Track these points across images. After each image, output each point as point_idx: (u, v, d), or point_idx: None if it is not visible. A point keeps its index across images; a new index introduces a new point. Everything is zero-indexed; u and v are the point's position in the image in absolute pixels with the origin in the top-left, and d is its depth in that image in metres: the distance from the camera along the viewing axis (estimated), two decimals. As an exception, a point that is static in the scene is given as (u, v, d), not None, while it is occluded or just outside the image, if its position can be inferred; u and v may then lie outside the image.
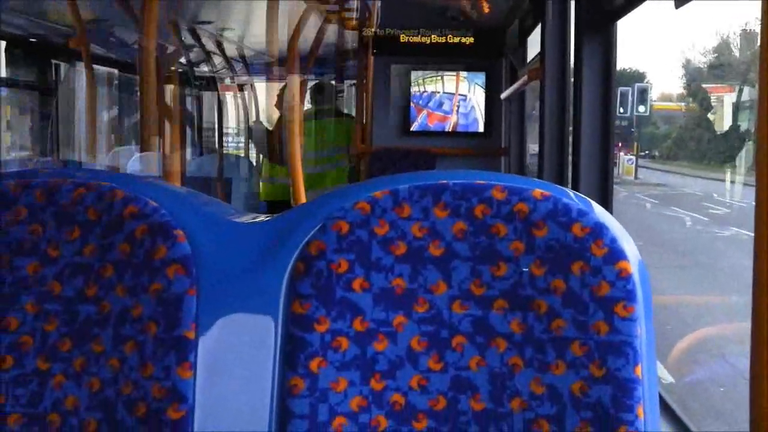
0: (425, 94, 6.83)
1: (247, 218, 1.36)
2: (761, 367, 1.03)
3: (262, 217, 1.35)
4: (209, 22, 6.48)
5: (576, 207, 1.22)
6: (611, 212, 1.28)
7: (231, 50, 7.33)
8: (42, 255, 1.28)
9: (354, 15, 6.22)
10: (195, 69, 8.02)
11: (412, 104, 6.80)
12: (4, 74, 6.71)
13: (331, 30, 5.46)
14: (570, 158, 3.50)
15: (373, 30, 6.62)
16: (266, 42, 3.05)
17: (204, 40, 6.43)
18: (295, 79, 3.18)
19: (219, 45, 6.69)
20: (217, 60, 7.40)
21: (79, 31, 4.66)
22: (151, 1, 2.31)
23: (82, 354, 1.26)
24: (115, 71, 7.85)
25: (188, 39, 6.21)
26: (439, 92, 6.82)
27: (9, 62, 6.52)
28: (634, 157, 22.90)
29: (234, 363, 1.24)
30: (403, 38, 6.57)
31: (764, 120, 1.02)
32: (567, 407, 1.19)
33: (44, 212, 1.29)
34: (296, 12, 4.60)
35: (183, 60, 7.26)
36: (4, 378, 1.26)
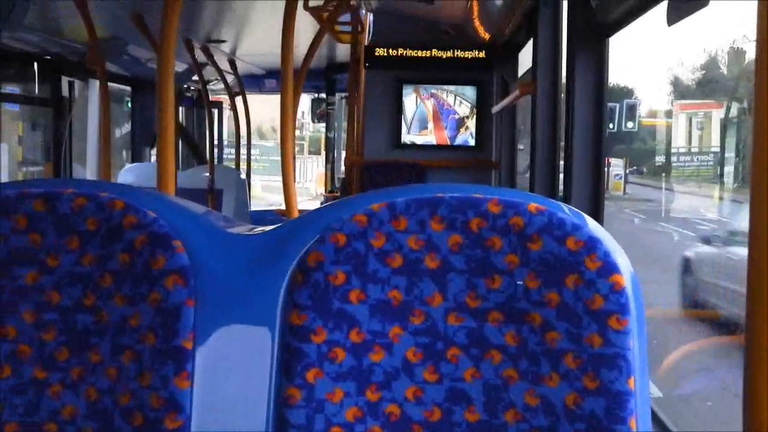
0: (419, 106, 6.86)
1: (245, 229, 1.37)
2: (755, 380, 1.05)
3: (260, 229, 1.36)
4: (223, 41, 6.51)
5: (570, 221, 1.23)
6: (602, 225, 1.30)
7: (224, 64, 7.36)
8: (41, 264, 1.29)
9: (347, 29, 6.25)
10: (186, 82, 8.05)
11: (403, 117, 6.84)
12: (18, 91, 6.71)
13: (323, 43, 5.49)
14: (561, 172, 3.52)
15: (365, 44, 6.66)
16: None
17: (197, 52, 6.45)
18: (290, 93, 3.19)
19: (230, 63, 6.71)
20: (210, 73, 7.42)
21: (94, 48, 4.66)
22: (169, 20, 2.31)
23: (79, 363, 1.27)
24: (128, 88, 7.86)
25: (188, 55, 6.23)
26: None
27: (23, 78, 6.52)
28: (622, 173, 22.97)
29: (231, 373, 1.24)
30: (395, 52, 6.60)
31: (761, 131, 1.04)
32: (560, 419, 1.20)
33: (44, 221, 1.29)
34: (303, 29, 4.61)
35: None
36: (1, 387, 1.26)
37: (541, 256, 1.22)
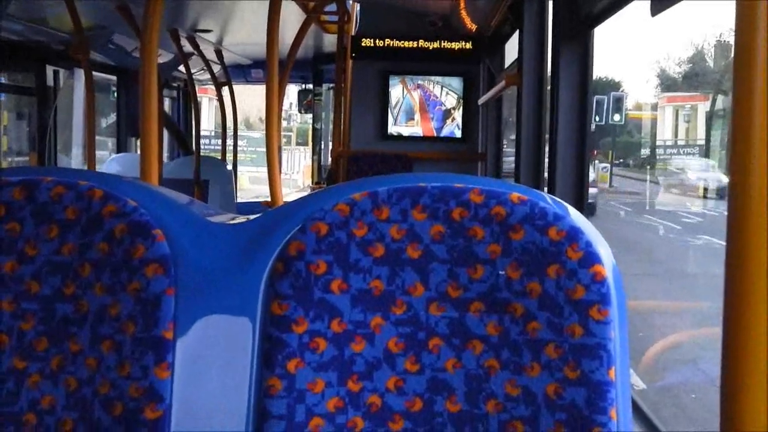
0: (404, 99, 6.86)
1: (226, 218, 1.37)
2: (732, 371, 1.05)
3: (242, 218, 1.35)
4: (209, 31, 6.47)
5: (552, 211, 1.23)
6: (586, 216, 1.30)
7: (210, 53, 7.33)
8: (19, 253, 1.28)
9: (333, 19, 6.24)
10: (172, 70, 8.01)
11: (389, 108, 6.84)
12: (2, 80, 6.66)
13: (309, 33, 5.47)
14: (546, 163, 3.53)
15: (351, 34, 6.65)
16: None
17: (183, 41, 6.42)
18: (276, 83, 3.18)
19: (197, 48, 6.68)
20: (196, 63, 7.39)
21: (79, 37, 4.63)
22: (153, 9, 2.30)
23: (58, 353, 1.26)
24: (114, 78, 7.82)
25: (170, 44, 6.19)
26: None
27: (7, 68, 6.47)
28: (609, 165, 23.10)
29: (212, 363, 1.24)
30: (382, 43, 6.60)
31: (739, 129, 1.04)
32: (541, 409, 1.20)
33: (22, 210, 1.28)
34: (289, 19, 4.60)
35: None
36: None
37: (523, 245, 1.22)
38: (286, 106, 18.90)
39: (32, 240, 1.28)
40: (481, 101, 6.33)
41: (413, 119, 6.88)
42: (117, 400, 1.22)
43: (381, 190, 1.25)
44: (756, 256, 1.02)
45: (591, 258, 1.21)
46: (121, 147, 8.08)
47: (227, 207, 6.74)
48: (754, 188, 1.01)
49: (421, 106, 6.87)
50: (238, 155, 8.78)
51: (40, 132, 6.50)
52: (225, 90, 7.90)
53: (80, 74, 6.51)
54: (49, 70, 6.49)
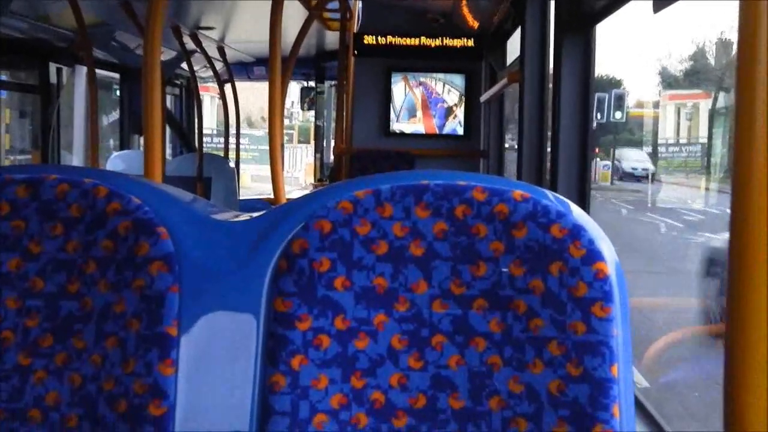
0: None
1: (230, 216, 1.37)
2: (735, 370, 1.05)
3: (245, 216, 1.36)
4: (212, 28, 6.47)
5: (555, 208, 1.24)
6: (588, 213, 1.30)
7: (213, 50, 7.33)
8: (24, 251, 1.28)
9: (336, 16, 6.24)
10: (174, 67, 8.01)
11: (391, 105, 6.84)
12: (5, 77, 6.66)
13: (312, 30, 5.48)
14: (548, 160, 3.53)
15: (354, 31, 6.65)
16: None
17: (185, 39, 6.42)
18: (278, 81, 3.17)
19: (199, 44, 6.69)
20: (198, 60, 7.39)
21: (82, 35, 4.63)
22: (156, 6, 2.30)
23: (63, 350, 1.27)
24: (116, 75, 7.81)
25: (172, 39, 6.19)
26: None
27: (9, 65, 6.47)
28: (610, 163, 23.08)
29: (216, 360, 1.24)
30: (384, 40, 6.60)
31: (742, 126, 1.04)
32: (544, 406, 1.21)
33: (27, 208, 1.29)
34: (292, 16, 4.60)
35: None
36: None
37: (526, 243, 1.23)
38: (288, 104, 18.91)
39: (37, 237, 1.28)
40: (483, 98, 6.33)
41: (415, 116, 6.89)
42: (121, 396, 1.23)
43: (384, 188, 1.25)
44: (759, 254, 1.02)
45: (594, 255, 1.22)
46: (124, 144, 8.08)
47: (230, 204, 6.74)
48: (757, 185, 1.02)
49: (424, 104, 6.87)
50: (240, 153, 8.77)
51: (43, 129, 6.50)
52: (227, 87, 7.90)
53: (83, 72, 6.51)
54: (52, 67, 6.48)
